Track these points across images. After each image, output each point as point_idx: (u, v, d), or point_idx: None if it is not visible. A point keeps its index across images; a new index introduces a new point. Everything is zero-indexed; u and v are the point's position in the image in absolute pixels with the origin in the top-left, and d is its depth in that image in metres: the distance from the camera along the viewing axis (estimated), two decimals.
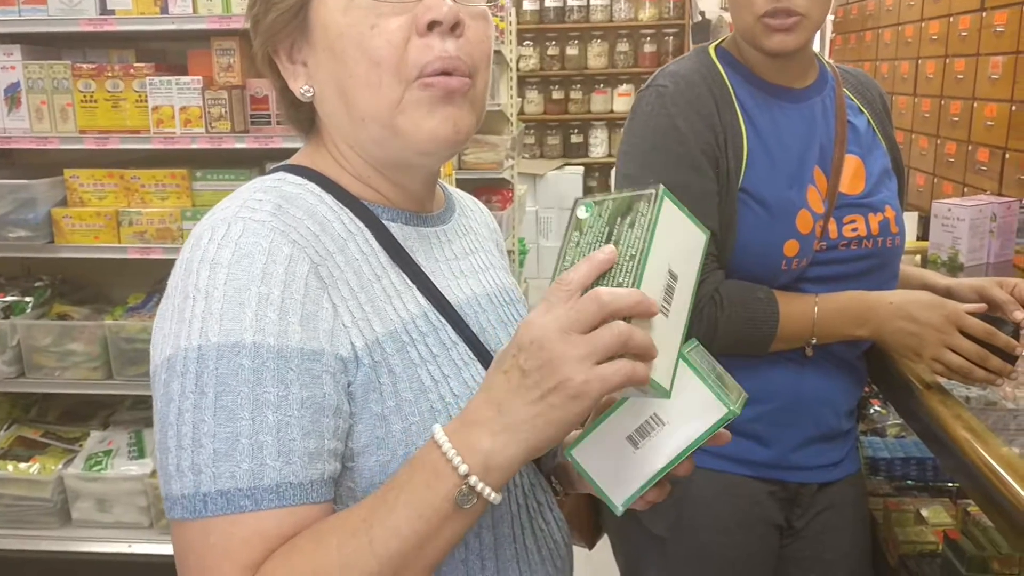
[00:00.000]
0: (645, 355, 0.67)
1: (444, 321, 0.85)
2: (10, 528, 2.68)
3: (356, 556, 0.69)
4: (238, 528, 0.70)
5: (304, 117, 0.89)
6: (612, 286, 0.67)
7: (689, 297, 0.73)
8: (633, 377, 0.66)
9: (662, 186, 0.71)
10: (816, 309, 1.33)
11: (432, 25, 0.78)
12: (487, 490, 0.69)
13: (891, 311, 1.31)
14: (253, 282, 0.73)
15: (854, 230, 1.38)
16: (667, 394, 0.70)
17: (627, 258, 0.69)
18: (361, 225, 0.84)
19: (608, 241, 0.70)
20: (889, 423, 2.10)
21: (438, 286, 0.87)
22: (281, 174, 0.86)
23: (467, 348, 0.85)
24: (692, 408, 0.76)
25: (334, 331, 0.76)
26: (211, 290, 0.72)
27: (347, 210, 0.84)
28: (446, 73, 0.79)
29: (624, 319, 0.66)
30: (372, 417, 0.77)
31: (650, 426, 0.77)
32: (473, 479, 0.68)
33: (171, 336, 0.73)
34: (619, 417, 0.77)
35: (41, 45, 2.61)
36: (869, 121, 1.48)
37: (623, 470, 0.77)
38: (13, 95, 2.49)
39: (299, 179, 0.85)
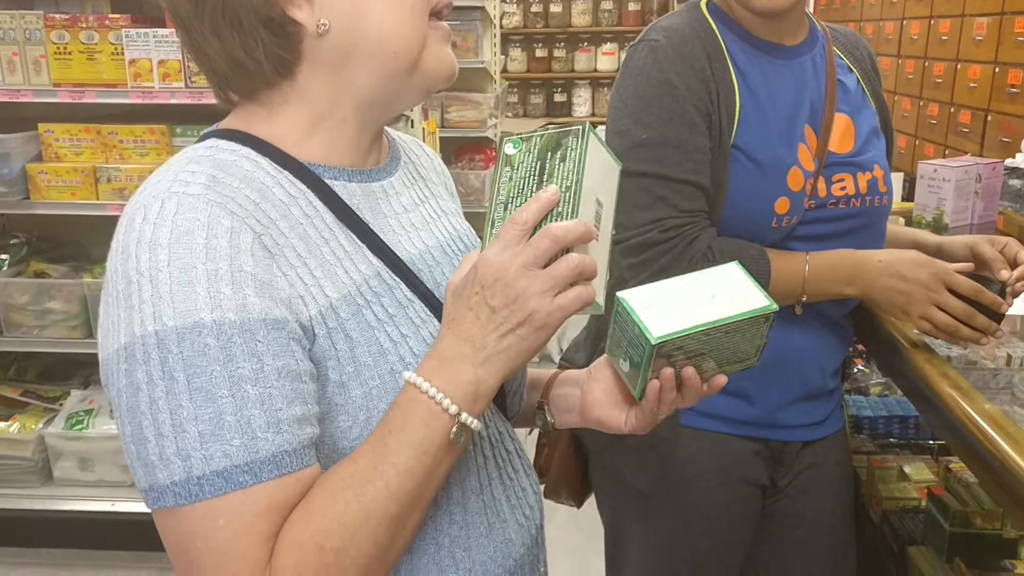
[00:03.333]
0: (591, 278, 0.75)
1: (398, 279, 0.84)
2: None
3: (376, 502, 0.72)
4: (246, 504, 0.68)
5: (255, 78, 0.81)
6: (555, 217, 0.74)
7: (611, 223, 0.81)
8: (586, 300, 0.74)
9: (588, 123, 0.77)
10: (807, 267, 1.32)
11: None
12: (473, 422, 0.75)
13: (880, 268, 1.31)
14: (198, 259, 0.70)
15: (843, 189, 1.37)
16: (601, 310, 0.78)
17: (564, 190, 0.75)
18: (303, 187, 0.81)
19: (541, 174, 0.77)
20: (872, 382, 2.12)
21: (388, 243, 0.85)
22: (213, 141, 0.82)
23: (423, 305, 0.84)
24: (737, 290, 0.85)
25: (291, 300, 0.74)
26: (155, 272, 0.69)
27: (286, 173, 0.80)
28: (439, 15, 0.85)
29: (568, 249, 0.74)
30: (331, 385, 0.76)
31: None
32: (464, 415, 0.74)
33: (123, 323, 0.70)
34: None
35: None
36: (858, 80, 1.46)
37: (668, 310, 0.84)
38: None
39: (233, 144, 0.81)
